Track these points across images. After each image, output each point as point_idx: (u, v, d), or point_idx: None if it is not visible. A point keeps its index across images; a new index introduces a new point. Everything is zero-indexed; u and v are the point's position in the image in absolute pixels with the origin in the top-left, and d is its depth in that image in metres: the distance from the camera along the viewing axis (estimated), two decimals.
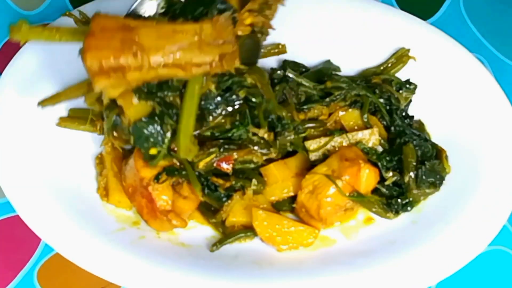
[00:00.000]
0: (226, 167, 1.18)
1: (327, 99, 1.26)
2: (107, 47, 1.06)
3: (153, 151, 1.13)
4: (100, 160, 1.24)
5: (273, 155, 1.21)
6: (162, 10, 1.15)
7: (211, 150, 1.17)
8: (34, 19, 1.49)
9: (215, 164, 1.18)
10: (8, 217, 1.26)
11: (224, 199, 1.19)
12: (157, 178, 1.14)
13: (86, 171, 1.21)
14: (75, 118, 1.26)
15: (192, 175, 1.16)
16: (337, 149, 1.22)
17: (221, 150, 1.17)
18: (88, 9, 1.33)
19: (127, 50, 1.05)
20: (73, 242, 1.13)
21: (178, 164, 1.17)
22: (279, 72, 1.27)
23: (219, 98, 1.16)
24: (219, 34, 1.08)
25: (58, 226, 1.14)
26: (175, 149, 1.13)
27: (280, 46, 1.35)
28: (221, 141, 1.18)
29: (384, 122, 1.28)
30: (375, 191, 1.22)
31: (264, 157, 1.20)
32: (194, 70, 1.08)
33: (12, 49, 1.31)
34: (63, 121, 1.25)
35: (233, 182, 1.19)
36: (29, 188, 1.17)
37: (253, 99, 1.18)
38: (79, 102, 1.24)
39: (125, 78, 1.07)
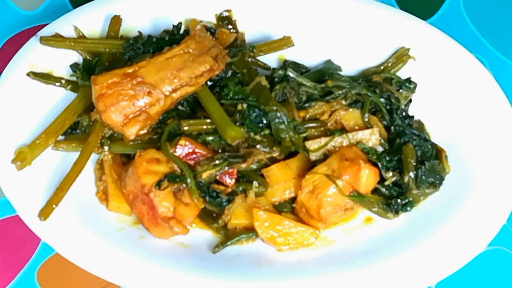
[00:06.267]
0: (228, 181, 1.18)
1: (328, 97, 1.26)
2: (122, 98, 1.16)
3: None
4: (100, 166, 1.23)
5: (276, 154, 1.21)
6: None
7: (217, 162, 1.17)
8: (34, 19, 1.49)
9: (217, 177, 1.18)
10: (8, 217, 1.26)
11: (225, 203, 1.19)
12: (158, 184, 1.14)
13: (87, 173, 1.21)
14: (72, 140, 1.24)
15: (192, 185, 1.16)
16: (337, 149, 1.22)
17: (227, 162, 1.17)
18: (88, 8, 1.33)
19: (140, 93, 1.17)
20: (73, 242, 1.13)
21: (179, 171, 1.17)
22: (280, 71, 1.27)
23: None
24: (203, 44, 1.23)
25: (58, 226, 1.14)
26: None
27: (285, 39, 1.34)
28: (227, 154, 1.18)
29: (385, 122, 1.28)
30: (375, 191, 1.22)
31: (267, 156, 1.20)
32: (199, 80, 1.21)
33: (12, 49, 1.31)
34: (58, 144, 1.22)
35: (235, 187, 1.19)
36: (29, 188, 1.17)
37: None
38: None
39: (150, 116, 1.18)
